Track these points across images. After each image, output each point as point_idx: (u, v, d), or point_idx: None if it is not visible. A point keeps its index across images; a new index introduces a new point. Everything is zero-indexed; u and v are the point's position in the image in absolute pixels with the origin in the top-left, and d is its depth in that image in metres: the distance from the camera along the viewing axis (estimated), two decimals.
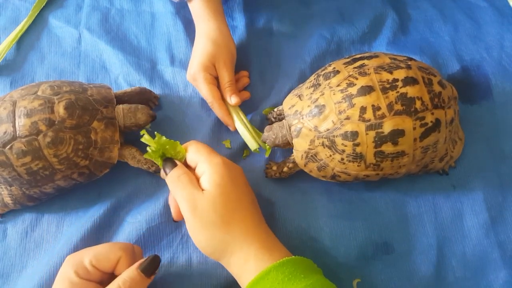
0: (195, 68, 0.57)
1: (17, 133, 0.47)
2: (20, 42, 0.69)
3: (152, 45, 0.68)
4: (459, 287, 0.49)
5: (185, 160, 0.45)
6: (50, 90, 0.50)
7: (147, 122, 0.54)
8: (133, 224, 0.53)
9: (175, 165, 0.43)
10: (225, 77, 0.57)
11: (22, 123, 0.47)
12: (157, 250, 0.52)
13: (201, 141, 0.57)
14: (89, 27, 0.69)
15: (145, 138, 0.44)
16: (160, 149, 0.44)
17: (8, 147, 0.47)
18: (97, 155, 0.50)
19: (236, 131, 0.58)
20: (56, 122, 0.48)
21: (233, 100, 0.57)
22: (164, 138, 0.44)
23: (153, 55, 0.67)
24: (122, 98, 0.57)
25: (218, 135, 0.59)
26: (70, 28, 0.69)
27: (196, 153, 0.44)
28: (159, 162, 0.45)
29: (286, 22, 0.69)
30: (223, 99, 0.58)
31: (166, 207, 0.54)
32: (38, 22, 0.70)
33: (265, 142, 0.53)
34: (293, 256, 0.41)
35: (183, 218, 0.43)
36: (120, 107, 0.53)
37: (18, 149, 0.47)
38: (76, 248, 0.51)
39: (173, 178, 0.43)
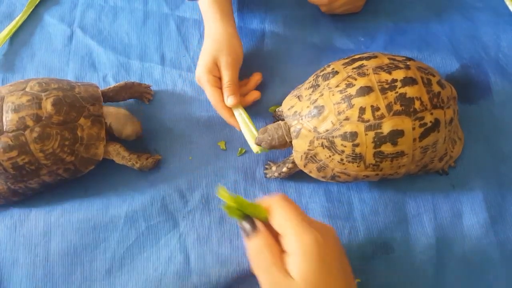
0: (200, 70, 0.58)
1: (4, 128, 0.47)
2: (14, 38, 0.69)
3: (143, 43, 0.68)
4: (459, 286, 0.49)
5: (269, 223, 0.39)
6: (38, 87, 0.51)
7: (131, 137, 0.54)
8: (132, 223, 0.53)
9: (255, 227, 0.37)
10: (226, 77, 0.57)
11: (9, 118, 0.48)
12: (156, 249, 0.52)
13: (190, 139, 0.58)
14: (82, 25, 0.70)
15: (222, 195, 0.38)
16: (237, 209, 0.38)
17: None
18: (83, 151, 0.51)
19: (228, 129, 0.59)
20: (43, 118, 0.48)
21: (229, 100, 0.56)
22: (245, 201, 0.38)
23: (143, 53, 0.67)
24: (107, 94, 0.57)
25: (208, 133, 0.60)
26: (63, 26, 0.70)
27: (284, 221, 0.37)
28: (237, 216, 0.39)
29: (280, 24, 0.69)
30: None
31: (164, 206, 0.54)
32: (33, 19, 0.71)
33: (259, 145, 0.53)
34: None
35: None
36: (112, 110, 0.54)
37: (5, 143, 0.47)
38: (75, 248, 0.52)
39: (254, 249, 0.37)
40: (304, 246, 0.35)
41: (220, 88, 0.58)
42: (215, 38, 0.59)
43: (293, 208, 0.37)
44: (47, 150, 0.48)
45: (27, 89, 0.50)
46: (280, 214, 0.37)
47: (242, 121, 0.57)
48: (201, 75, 0.57)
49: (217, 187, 0.41)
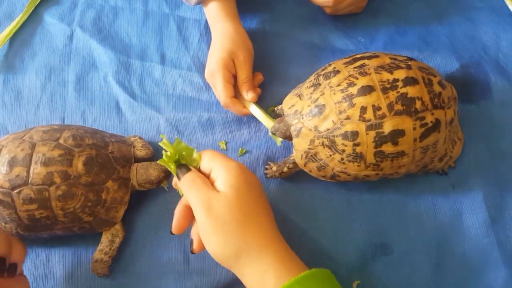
0: (215, 64, 0.57)
1: (29, 180, 0.46)
2: (14, 38, 0.69)
3: (143, 43, 0.68)
4: (459, 287, 0.49)
5: (199, 168, 0.43)
6: (72, 140, 0.49)
7: (160, 178, 0.52)
8: (132, 223, 0.53)
9: (189, 170, 0.42)
10: (243, 73, 0.58)
11: (37, 171, 0.46)
12: (156, 249, 0.52)
13: (190, 139, 0.59)
14: (82, 25, 0.70)
15: (163, 142, 0.42)
16: (176, 155, 0.43)
17: (16, 190, 0.46)
18: (102, 213, 0.49)
19: (228, 129, 0.60)
20: (72, 177, 0.47)
21: (249, 95, 0.57)
22: (183, 143, 0.43)
23: (143, 53, 0.67)
24: (137, 156, 0.55)
25: (208, 133, 0.60)
26: (63, 25, 0.70)
27: (210, 159, 0.42)
28: (173, 168, 0.43)
29: (280, 23, 0.69)
30: (238, 95, 0.59)
31: (164, 206, 0.54)
32: (33, 19, 0.71)
33: (274, 134, 0.53)
34: (313, 269, 0.39)
35: (182, 232, 0.43)
36: (135, 165, 0.53)
37: (27, 195, 0.46)
38: (76, 248, 0.52)
39: (187, 181, 0.41)
40: (228, 169, 0.41)
41: (232, 84, 0.58)
42: (229, 36, 0.59)
43: (220, 153, 0.43)
44: (68, 209, 0.47)
45: (61, 141, 0.48)
46: (209, 155, 0.43)
47: (259, 114, 0.58)
48: (216, 70, 0.57)
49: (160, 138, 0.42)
